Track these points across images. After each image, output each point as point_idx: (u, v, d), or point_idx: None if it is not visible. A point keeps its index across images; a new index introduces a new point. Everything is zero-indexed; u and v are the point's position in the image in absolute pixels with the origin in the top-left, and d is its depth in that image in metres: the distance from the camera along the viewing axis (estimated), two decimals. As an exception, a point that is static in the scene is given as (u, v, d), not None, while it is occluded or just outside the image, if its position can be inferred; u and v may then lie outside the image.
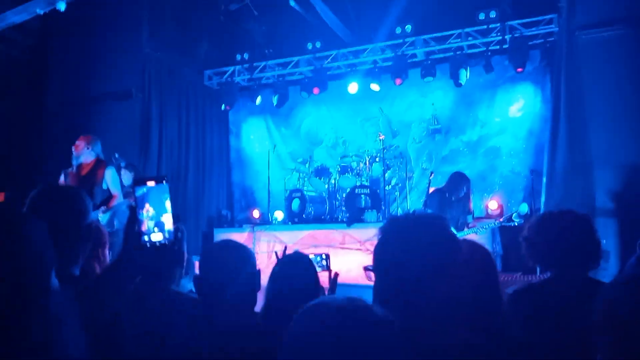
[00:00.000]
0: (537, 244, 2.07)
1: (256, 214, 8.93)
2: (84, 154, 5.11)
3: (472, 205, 5.93)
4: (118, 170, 5.31)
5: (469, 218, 5.74)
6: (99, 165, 5.13)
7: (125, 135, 7.59)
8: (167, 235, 1.32)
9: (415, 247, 1.30)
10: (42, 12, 6.50)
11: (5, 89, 8.74)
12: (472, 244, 1.72)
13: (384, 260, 1.34)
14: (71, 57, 8.26)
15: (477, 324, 1.43)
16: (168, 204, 1.32)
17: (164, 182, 1.32)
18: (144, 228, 1.31)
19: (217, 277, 1.88)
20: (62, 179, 5.19)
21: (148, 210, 1.30)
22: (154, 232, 1.31)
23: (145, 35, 7.95)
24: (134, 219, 1.31)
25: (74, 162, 5.16)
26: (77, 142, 5.14)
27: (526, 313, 1.95)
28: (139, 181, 1.32)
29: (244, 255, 1.96)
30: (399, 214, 1.50)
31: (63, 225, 1.57)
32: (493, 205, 7.61)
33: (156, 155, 8.02)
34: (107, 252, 4.82)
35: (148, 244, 1.31)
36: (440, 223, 1.40)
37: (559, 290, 1.98)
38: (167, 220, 1.32)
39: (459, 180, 5.62)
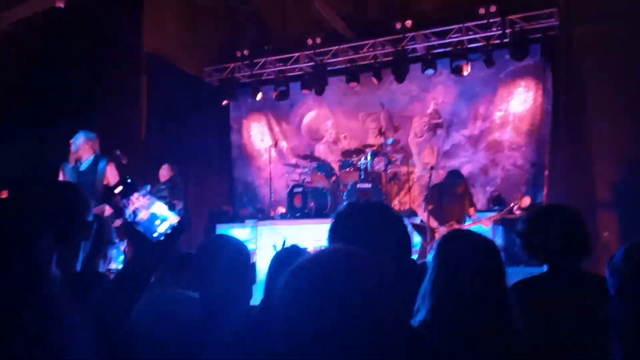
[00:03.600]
0: (528, 239, 2.12)
1: (281, 211, 8.59)
2: (82, 149, 5.10)
3: (473, 199, 5.96)
4: (119, 167, 5.31)
5: (471, 211, 5.76)
6: (98, 160, 5.12)
7: (126, 133, 7.61)
8: (174, 215, 1.32)
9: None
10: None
11: (4, 85, 8.76)
12: (476, 234, 1.74)
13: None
14: (71, 55, 8.27)
15: (482, 317, 1.46)
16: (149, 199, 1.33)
17: (128, 180, 1.33)
18: (143, 218, 1.31)
19: (211, 272, 1.88)
20: (60, 175, 5.20)
21: (136, 207, 1.31)
22: (156, 224, 1.31)
23: (145, 34, 7.96)
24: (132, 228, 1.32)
25: (72, 158, 5.16)
26: (75, 138, 5.13)
27: (524, 307, 1.97)
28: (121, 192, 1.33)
29: (238, 249, 1.97)
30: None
31: (62, 222, 1.59)
32: (525, 202, 7.43)
33: (157, 152, 8.04)
34: (111, 249, 4.85)
35: (159, 236, 1.31)
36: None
37: (553, 284, 2.01)
38: (159, 208, 1.32)
39: (455, 177, 5.69)
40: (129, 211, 1.30)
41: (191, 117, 8.91)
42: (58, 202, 1.64)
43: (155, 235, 1.30)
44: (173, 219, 1.31)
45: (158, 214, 1.30)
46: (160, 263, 1.36)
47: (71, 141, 5.13)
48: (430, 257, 1.63)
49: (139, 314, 1.44)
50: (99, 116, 7.76)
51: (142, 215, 1.30)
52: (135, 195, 1.31)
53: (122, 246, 4.88)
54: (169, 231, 1.30)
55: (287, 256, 2.17)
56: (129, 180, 1.33)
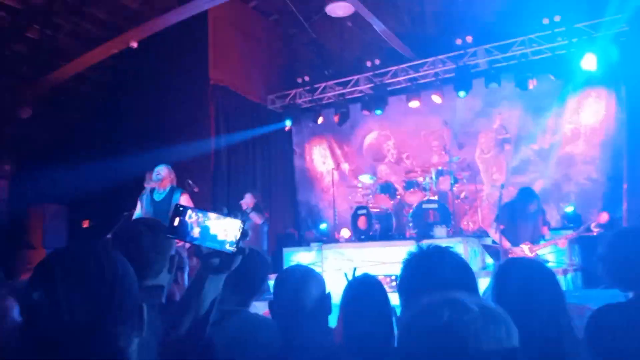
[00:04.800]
0: (612, 264, 1.99)
1: (346, 233, 8.54)
2: (165, 180, 5.30)
3: (546, 216, 5.69)
4: (192, 196, 5.49)
5: (545, 230, 5.50)
6: (174, 192, 5.32)
7: (196, 162, 7.92)
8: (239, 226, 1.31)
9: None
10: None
11: (79, 123, 9.38)
12: (535, 263, 1.70)
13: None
14: (141, 91, 8.77)
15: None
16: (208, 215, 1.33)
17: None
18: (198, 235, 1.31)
19: (290, 302, 1.92)
20: (138, 206, 5.44)
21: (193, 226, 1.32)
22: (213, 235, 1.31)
23: (211, 66, 8.31)
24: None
25: (148, 190, 5.39)
26: (159, 169, 5.34)
27: (607, 335, 1.85)
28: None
29: (314, 280, 2.00)
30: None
31: (146, 257, 1.66)
32: (603, 217, 7.08)
33: (226, 179, 8.31)
34: (185, 276, 5.00)
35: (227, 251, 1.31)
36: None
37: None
38: (215, 225, 1.32)
39: (527, 196, 5.44)
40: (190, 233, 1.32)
41: (256, 143, 9.16)
42: (144, 238, 1.71)
43: (217, 245, 1.31)
44: (231, 224, 1.31)
45: (210, 226, 1.31)
46: (229, 269, 1.34)
47: (157, 170, 5.32)
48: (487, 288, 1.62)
49: (219, 338, 1.47)
50: (170, 148, 8.13)
51: (194, 233, 1.31)
52: (189, 213, 1.32)
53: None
54: (236, 238, 1.30)
55: (360, 286, 2.17)
56: (180, 209, 1.33)
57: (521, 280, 1.59)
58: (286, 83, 9.61)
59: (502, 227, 5.33)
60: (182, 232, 1.31)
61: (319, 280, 2.03)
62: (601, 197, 7.59)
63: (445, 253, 1.59)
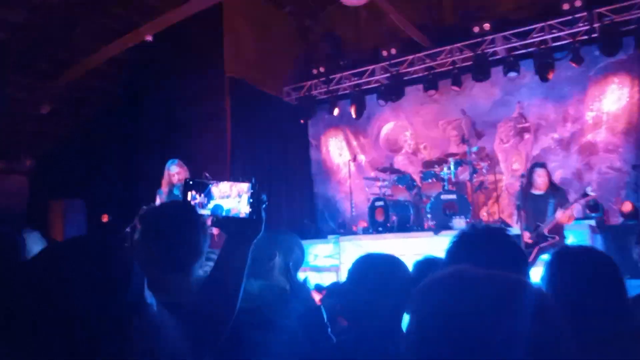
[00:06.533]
0: None
1: (363, 224, 8.47)
2: (179, 175, 5.32)
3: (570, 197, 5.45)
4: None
5: (549, 214, 5.24)
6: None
7: (213, 155, 7.94)
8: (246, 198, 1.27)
9: None
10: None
11: (98, 118, 9.47)
12: (590, 249, 1.60)
13: None
14: (158, 85, 8.80)
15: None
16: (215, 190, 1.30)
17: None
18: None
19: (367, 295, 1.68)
20: (157, 200, 5.46)
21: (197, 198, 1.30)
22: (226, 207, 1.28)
23: (226, 59, 8.30)
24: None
25: (165, 184, 5.40)
26: (170, 165, 5.37)
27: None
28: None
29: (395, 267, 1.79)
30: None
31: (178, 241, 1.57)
32: (627, 207, 6.88)
33: (241, 171, 8.31)
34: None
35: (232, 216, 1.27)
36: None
37: None
38: (226, 193, 1.29)
39: (532, 167, 5.35)
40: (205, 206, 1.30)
41: (272, 136, 9.14)
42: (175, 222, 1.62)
43: (232, 214, 1.28)
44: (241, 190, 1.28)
45: (222, 194, 1.29)
46: (253, 238, 1.29)
47: (167, 168, 5.36)
48: (540, 279, 1.53)
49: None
50: (186, 141, 8.17)
51: (210, 205, 1.30)
52: (199, 185, 1.31)
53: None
54: (248, 205, 1.27)
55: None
56: (190, 182, 1.31)
57: (576, 270, 1.49)
58: (301, 75, 9.56)
59: (523, 213, 5.20)
60: (196, 205, 1.31)
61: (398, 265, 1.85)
62: (624, 186, 7.43)
63: (498, 233, 1.50)
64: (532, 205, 5.24)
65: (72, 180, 8.69)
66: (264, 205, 1.29)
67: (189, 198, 1.30)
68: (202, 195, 1.30)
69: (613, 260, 1.52)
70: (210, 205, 1.29)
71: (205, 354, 1.23)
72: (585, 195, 5.11)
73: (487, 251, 1.39)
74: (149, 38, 7.16)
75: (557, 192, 5.30)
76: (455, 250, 1.45)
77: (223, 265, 1.28)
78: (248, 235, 1.29)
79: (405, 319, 1.71)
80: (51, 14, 7.61)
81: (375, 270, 1.74)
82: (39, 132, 9.08)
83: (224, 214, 1.28)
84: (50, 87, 8.44)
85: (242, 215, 1.27)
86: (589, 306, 1.40)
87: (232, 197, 1.28)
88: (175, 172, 5.31)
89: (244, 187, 1.28)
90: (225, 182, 1.30)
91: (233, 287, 1.27)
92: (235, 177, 1.30)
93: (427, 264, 2.09)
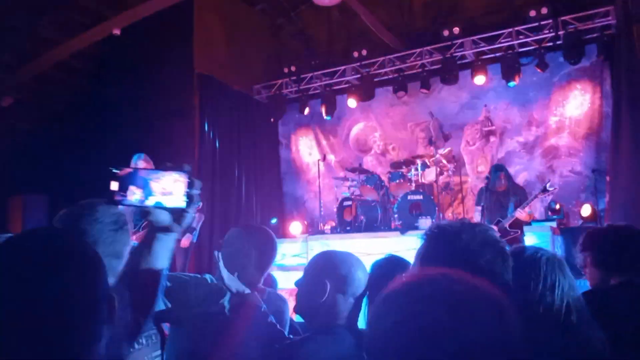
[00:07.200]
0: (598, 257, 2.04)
1: (331, 223, 8.50)
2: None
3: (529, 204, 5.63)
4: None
5: (509, 211, 5.41)
6: None
7: (180, 152, 7.84)
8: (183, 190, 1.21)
9: None
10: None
11: (62, 112, 9.24)
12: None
13: None
14: (127, 80, 8.63)
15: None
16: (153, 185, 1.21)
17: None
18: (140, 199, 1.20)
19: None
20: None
21: (134, 192, 1.20)
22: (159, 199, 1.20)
23: (196, 55, 8.20)
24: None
25: None
26: (134, 160, 5.29)
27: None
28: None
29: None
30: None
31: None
32: (586, 211, 7.02)
33: (210, 169, 8.23)
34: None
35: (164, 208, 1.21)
36: None
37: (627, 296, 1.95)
38: (160, 182, 1.21)
39: (494, 170, 5.50)
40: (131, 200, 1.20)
41: (242, 133, 9.08)
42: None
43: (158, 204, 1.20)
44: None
45: (155, 183, 1.21)
46: (180, 225, 1.24)
47: (133, 162, 5.28)
48: None
49: None
50: (154, 137, 8.03)
51: (137, 195, 1.20)
52: (126, 175, 1.20)
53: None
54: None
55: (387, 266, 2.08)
56: (114, 171, 1.19)
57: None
58: (272, 73, 9.52)
59: (484, 209, 5.35)
60: (122, 197, 1.19)
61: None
62: (584, 189, 7.66)
63: (475, 228, 1.38)
64: (493, 202, 5.40)
65: (34, 175, 8.45)
66: (198, 198, 1.25)
67: (113, 188, 1.19)
68: (134, 184, 1.20)
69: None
70: (138, 194, 1.19)
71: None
72: (545, 190, 5.29)
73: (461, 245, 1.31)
74: (117, 32, 7.02)
75: (517, 191, 5.48)
76: (425, 251, 1.37)
77: (141, 257, 1.25)
78: (178, 225, 1.25)
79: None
80: (14, 3, 7.38)
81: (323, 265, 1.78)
82: (-1, 125, 8.80)
83: (155, 205, 1.21)
84: (13, 79, 8.19)
85: (176, 206, 1.21)
86: None
87: (166, 186, 1.21)
88: (141, 166, 5.24)
89: (180, 178, 1.22)
90: (157, 171, 1.22)
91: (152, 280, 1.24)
92: (165, 167, 1.23)
93: (388, 264, 2.11)
